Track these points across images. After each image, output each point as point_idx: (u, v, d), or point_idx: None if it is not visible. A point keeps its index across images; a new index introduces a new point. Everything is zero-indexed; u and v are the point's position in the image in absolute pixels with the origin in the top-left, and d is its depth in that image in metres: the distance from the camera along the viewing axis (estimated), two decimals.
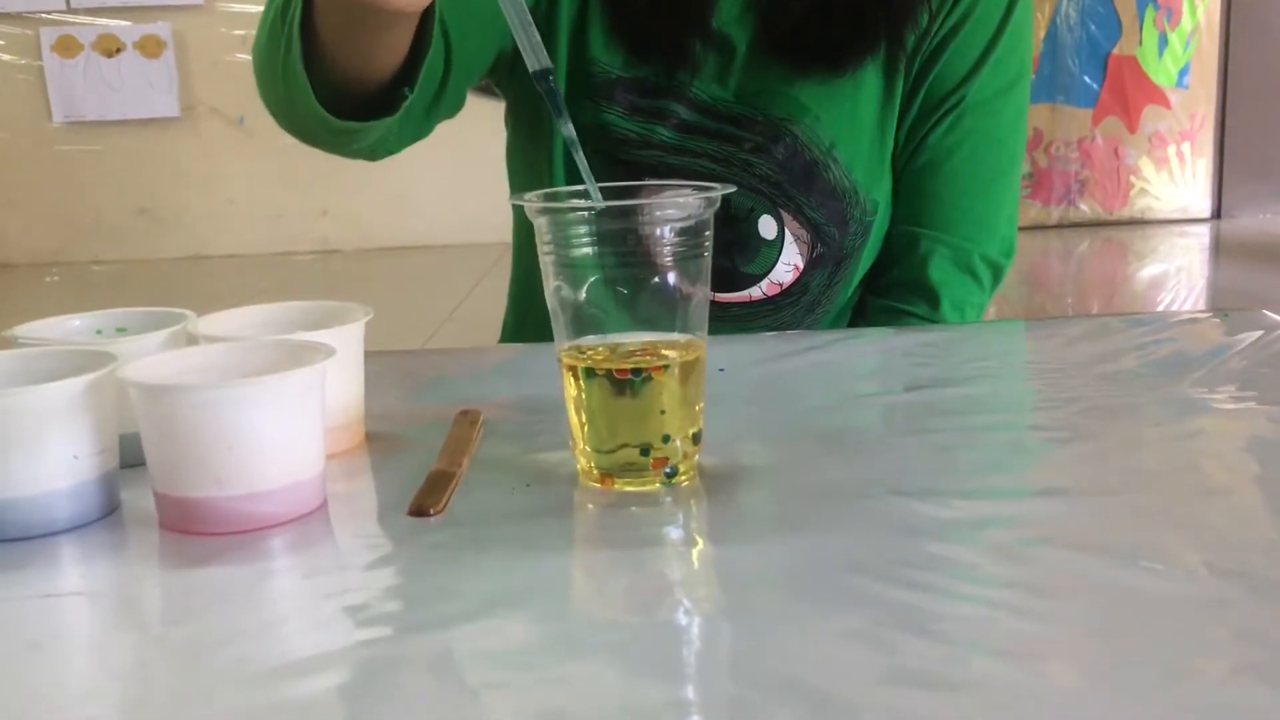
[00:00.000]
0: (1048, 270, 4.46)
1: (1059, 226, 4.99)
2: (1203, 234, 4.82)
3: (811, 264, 1.01)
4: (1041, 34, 4.96)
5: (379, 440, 0.74)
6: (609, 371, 0.64)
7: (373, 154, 0.93)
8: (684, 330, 0.66)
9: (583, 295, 0.65)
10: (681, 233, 0.63)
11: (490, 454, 0.71)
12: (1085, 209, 5.05)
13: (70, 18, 4.50)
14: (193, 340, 0.71)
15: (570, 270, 0.65)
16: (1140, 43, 4.98)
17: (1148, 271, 4.46)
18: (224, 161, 4.62)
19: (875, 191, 1.02)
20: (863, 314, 1.08)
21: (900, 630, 0.47)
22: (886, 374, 0.86)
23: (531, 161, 1.03)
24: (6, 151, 4.61)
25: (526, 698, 0.44)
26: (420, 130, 0.94)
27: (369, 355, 0.74)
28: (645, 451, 0.64)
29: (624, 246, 0.64)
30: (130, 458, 0.66)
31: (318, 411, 0.63)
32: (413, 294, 3.88)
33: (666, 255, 0.64)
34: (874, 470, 0.66)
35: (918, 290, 1.05)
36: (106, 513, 0.63)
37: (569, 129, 0.66)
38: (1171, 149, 5.02)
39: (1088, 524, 0.58)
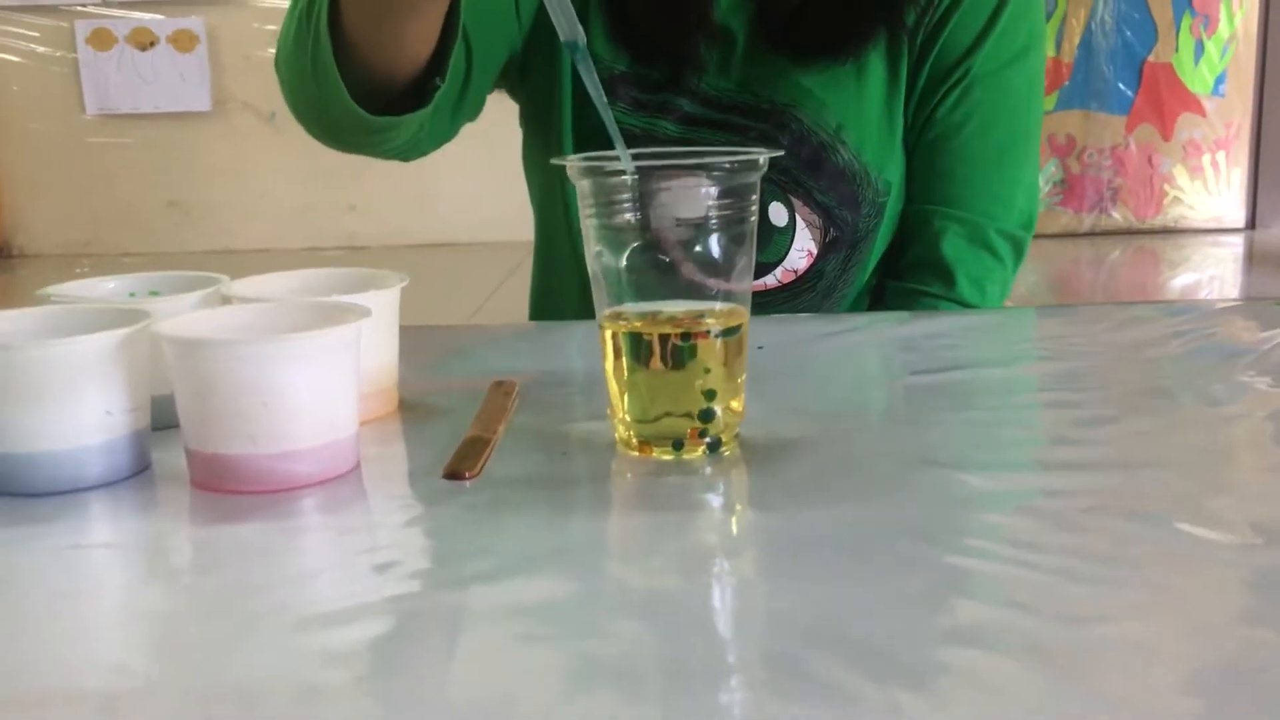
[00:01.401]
0: (1079, 278, 4.42)
1: (1091, 234, 4.95)
2: (1236, 244, 4.76)
3: (825, 249, 0.99)
4: (1076, 40, 4.92)
5: (413, 408, 0.73)
6: (651, 338, 0.63)
7: (405, 154, 0.93)
8: (727, 300, 0.64)
9: (624, 261, 0.64)
10: (725, 195, 0.62)
11: (526, 423, 0.69)
12: (1118, 217, 5.00)
13: (105, 11, 4.53)
14: (226, 303, 0.70)
15: (611, 235, 0.64)
16: (1176, 50, 4.93)
17: (1180, 281, 4.41)
18: (254, 156, 4.63)
19: (887, 172, 1.00)
20: (881, 298, 1.06)
21: (957, 593, 0.46)
22: (928, 354, 0.84)
23: (546, 161, 1.03)
24: (39, 143, 4.64)
25: (557, 651, 0.43)
26: (447, 131, 0.95)
27: (402, 330, 0.73)
28: (680, 443, 0.63)
29: (668, 208, 0.62)
30: (162, 420, 0.65)
31: (352, 371, 0.62)
32: (438, 290, 3.88)
33: (711, 220, 0.62)
34: (920, 444, 0.65)
35: (933, 269, 1.02)
36: (137, 471, 0.62)
37: (599, 94, 0.64)
38: (1206, 158, 4.97)
39: (1141, 494, 0.56)
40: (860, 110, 0.98)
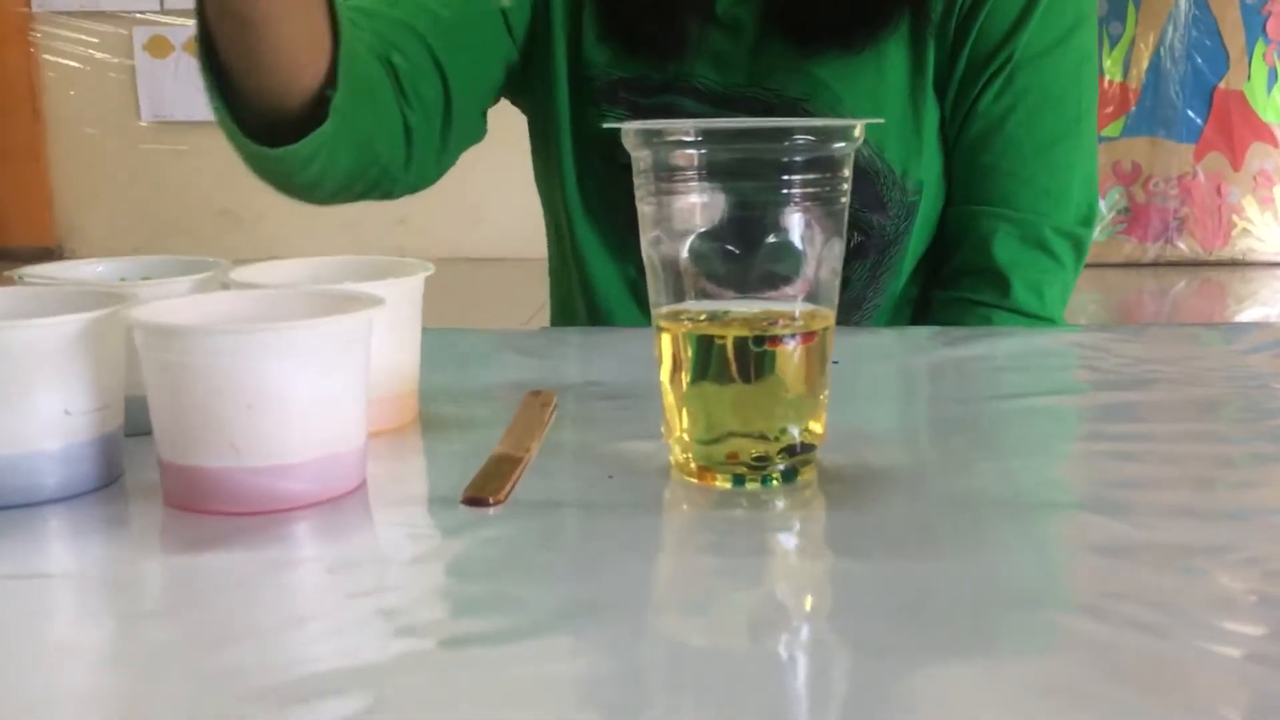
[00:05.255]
0: (1141, 309, 4.27)
1: (1155, 264, 4.79)
2: None
3: (850, 255, 0.89)
4: (1144, 65, 4.78)
5: (433, 419, 0.63)
6: (718, 342, 0.53)
7: (388, 192, 0.90)
8: (810, 300, 0.54)
9: (685, 251, 0.54)
10: (811, 168, 0.52)
11: (564, 440, 0.59)
12: (1184, 247, 4.84)
13: (163, 18, 4.53)
14: (223, 290, 0.60)
15: (671, 218, 0.53)
16: (1249, 78, 4.78)
17: (1248, 315, 4.24)
18: None
19: (915, 170, 0.90)
20: (927, 310, 0.96)
21: (1115, 681, 0.34)
22: (1036, 374, 0.73)
23: (548, 172, 0.99)
24: (95, 147, 4.65)
25: None
26: (440, 161, 0.92)
27: (425, 332, 0.63)
28: (748, 470, 0.52)
29: (740, 186, 0.52)
30: (140, 425, 0.56)
31: (360, 372, 0.52)
32: (485, 305, 3.80)
33: (793, 200, 0.52)
34: (1036, 479, 0.54)
35: (984, 275, 0.92)
36: (104, 483, 0.53)
37: None
38: (1277, 189, 4.81)
39: None
40: (879, 105, 0.89)
